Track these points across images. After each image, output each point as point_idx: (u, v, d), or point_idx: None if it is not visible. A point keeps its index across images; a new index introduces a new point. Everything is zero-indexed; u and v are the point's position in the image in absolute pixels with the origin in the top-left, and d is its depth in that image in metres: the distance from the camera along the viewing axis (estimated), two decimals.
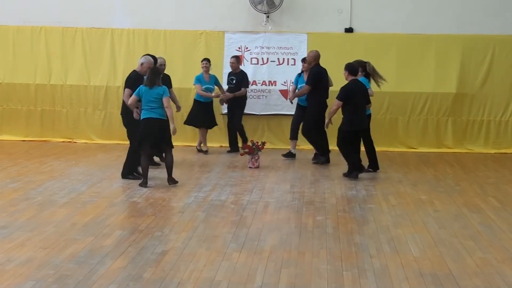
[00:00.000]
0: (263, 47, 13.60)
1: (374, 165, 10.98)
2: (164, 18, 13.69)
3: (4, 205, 8.28)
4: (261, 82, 13.54)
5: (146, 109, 9.37)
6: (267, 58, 13.58)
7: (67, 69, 13.81)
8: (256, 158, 11.19)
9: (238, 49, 13.57)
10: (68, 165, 11.08)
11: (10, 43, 13.88)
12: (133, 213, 8.15)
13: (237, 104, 12.74)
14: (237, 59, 12.84)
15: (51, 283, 5.61)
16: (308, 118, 11.62)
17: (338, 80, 11.82)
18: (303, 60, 12.13)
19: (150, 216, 7.88)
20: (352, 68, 10.51)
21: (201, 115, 12.66)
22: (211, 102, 12.73)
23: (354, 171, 10.33)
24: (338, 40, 13.50)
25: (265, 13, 13.39)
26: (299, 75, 12.16)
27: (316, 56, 11.69)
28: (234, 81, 12.69)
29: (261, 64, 13.58)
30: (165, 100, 9.33)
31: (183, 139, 13.25)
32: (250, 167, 11.13)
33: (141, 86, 9.44)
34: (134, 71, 10.11)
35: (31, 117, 13.88)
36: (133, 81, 9.81)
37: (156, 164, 10.84)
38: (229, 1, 13.61)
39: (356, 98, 10.28)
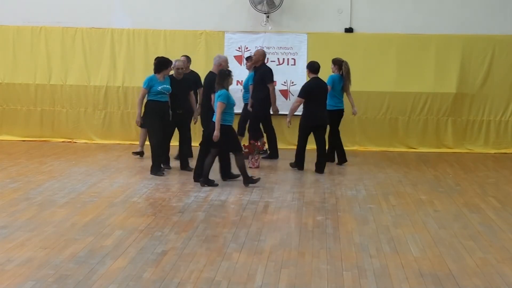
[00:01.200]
0: (263, 47, 13.57)
1: (341, 159, 11.57)
2: (164, 18, 13.69)
3: (4, 205, 8.28)
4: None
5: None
6: (267, 58, 13.52)
7: (67, 69, 13.81)
8: (256, 158, 11.19)
9: (238, 49, 13.58)
10: (68, 165, 11.08)
11: (10, 43, 13.87)
12: (133, 213, 8.14)
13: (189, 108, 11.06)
14: (188, 59, 11.55)
15: (51, 283, 5.61)
16: (254, 115, 11.84)
17: None
18: (249, 58, 12.28)
19: (150, 216, 7.88)
20: (312, 66, 10.87)
21: None
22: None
23: (296, 166, 10.95)
24: (338, 40, 13.50)
25: (265, 13, 13.39)
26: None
27: (264, 55, 12.04)
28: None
29: None
30: (217, 104, 9.36)
31: None
32: (250, 167, 11.13)
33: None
34: (211, 72, 10.28)
35: (31, 117, 13.88)
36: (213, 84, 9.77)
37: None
38: (229, 1, 13.62)
39: (315, 95, 10.67)
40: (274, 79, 12.51)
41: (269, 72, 11.89)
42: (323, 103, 10.82)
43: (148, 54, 13.52)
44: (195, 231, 7.28)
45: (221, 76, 9.51)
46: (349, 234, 7.31)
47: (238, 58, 13.51)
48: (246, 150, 11.21)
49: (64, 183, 9.63)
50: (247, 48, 13.60)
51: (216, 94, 9.46)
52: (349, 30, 13.54)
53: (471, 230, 7.51)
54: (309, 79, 10.97)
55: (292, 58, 13.45)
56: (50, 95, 13.83)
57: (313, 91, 10.68)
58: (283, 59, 13.50)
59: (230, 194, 9.19)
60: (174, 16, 13.69)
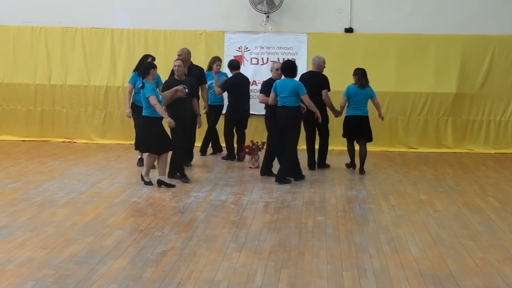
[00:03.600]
0: (263, 47, 13.61)
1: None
2: (164, 18, 13.69)
3: (4, 205, 8.28)
4: (261, 82, 13.50)
5: (352, 107, 10.75)
6: (267, 58, 13.58)
7: (67, 69, 13.81)
8: (256, 158, 11.19)
9: (238, 49, 13.58)
10: (68, 165, 11.08)
11: (10, 43, 13.88)
12: (133, 213, 8.15)
13: (192, 120, 10.44)
14: (184, 64, 10.26)
15: (51, 283, 5.61)
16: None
17: (337, 80, 11.81)
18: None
19: (150, 216, 7.88)
20: (231, 64, 11.99)
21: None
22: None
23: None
24: (338, 40, 13.50)
25: (265, 13, 13.39)
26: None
27: (190, 53, 11.44)
28: (186, 91, 9.93)
29: (261, 64, 13.58)
30: (374, 100, 10.85)
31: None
32: (250, 167, 11.13)
33: (350, 85, 10.82)
34: (311, 71, 11.16)
35: (31, 117, 13.88)
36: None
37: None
38: (229, 1, 13.62)
39: (238, 88, 11.66)
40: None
41: (204, 72, 11.74)
42: (246, 97, 11.91)
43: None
44: (195, 231, 7.28)
45: (364, 74, 10.79)
46: (349, 234, 7.31)
47: (238, 58, 13.47)
48: (247, 150, 11.23)
49: (64, 183, 9.63)
50: (247, 48, 13.61)
51: (366, 91, 10.73)
52: (349, 30, 13.54)
53: (471, 230, 7.51)
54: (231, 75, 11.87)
55: (292, 58, 13.37)
56: (50, 95, 13.83)
57: (237, 85, 11.69)
58: (283, 59, 13.41)
59: (230, 194, 9.19)
60: (174, 16, 13.69)
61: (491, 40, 13.35)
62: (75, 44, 13.79)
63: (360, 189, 9.69)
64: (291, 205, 8.64)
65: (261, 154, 11.32)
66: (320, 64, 11.14)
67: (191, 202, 8.68)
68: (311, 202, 8.84)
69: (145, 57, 10.67)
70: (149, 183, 9.46)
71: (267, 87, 10.32)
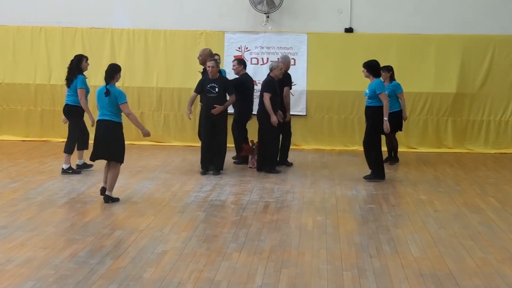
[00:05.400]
0: (263, 47, 13.61)
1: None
2: (164, 18, 13.69)
3: (4, 205, 8.28)
4: (261, 82, 13.50)
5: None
6: (267, 58, 13.58)
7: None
8: (256, 158, 11.18)
9: (238, 49, 13.58)
10: None
11: (10, 43, 13.89)
12: (133, 213, 8.14)
13: (221, 118, 10.56)
14: (217, 63, 10.48)
15: (51, 283, 5.61)
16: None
17: (338, 80, 11.84)
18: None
19: (150, 216, 7.88)
20: (244, 63, 11.53)
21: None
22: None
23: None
24: (338, 40, 13.50)
25: (265, 13, 13.39)
26: None
27: (210, 54, 11.13)
28: (216, 90, 10.37)
29: (261, 64, 13.58)
30: (400, 95, 11.55)
31: (183, 139, 13.31)
32: (250, 167, 11.13)
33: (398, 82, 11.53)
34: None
35: (31, 117, 13.89)
36: None
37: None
38: (229, 1, 13.62)
39: (250, 89, 11.45)
40: None
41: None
42: (252, 98, 11.65)
43: (148, 54, 13.54)
44: (195, 231, 7.28)
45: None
46: (349, 234, 7.31)
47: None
48: (245, 150, 11.22)
49: (64, 183, 9.63)
50: (247, 48, 13.61)
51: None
52: (349, 30, 13.54)
53: (471, 230, 7.51)
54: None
55: (292, 58, 13.39)
56: (50, 95, 13.83)
57: (247, 86, 11.37)
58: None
59: (230, 194, 9.19)
60: (174, 16, 13.69)
61: (491, 40, 13.36)
62: (75, 44, 13.79)
63: (360, 189, 9.68)
64: (291, 205, 8.64)
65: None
66: (284, 63, 11.26)
67: (191, 202, 8.68)
68: (311, 202, 8.84)
69: (80, 57, 10.80)
70: (116, 199, 8.60)
71: (274, 86, 10.63)
